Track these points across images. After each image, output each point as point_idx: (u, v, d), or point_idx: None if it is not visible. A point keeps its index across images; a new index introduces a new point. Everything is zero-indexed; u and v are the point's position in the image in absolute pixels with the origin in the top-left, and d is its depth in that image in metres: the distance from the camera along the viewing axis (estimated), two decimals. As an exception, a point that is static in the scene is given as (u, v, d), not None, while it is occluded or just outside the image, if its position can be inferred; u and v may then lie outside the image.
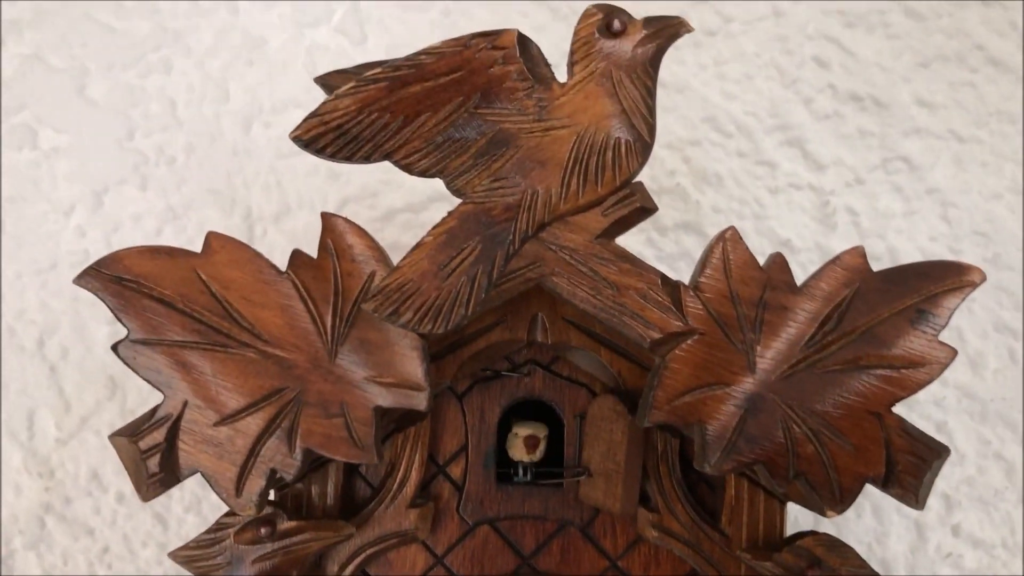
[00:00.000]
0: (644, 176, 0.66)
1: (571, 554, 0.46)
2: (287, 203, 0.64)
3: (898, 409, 0.63)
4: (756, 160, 0.65)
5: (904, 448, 0.39)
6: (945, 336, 0.65)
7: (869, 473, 0.38)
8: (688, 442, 0.46)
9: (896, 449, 0.39)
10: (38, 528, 0.61)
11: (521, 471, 0.46)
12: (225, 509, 0.40)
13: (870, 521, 0.62)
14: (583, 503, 0.46)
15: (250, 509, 0.38)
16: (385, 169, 0.64)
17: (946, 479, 0.62)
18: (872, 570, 0.42)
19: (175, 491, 0.61)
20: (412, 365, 0.39)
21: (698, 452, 0.39)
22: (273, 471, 0.38)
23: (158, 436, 0.38)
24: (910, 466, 0.38)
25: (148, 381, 0.38)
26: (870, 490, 0.62)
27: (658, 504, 0.44)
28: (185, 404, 0.38)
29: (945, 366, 0.39)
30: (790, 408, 0.39)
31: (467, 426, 0.46)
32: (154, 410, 0.39)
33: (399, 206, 0.64)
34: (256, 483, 0.38)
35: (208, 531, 0.41)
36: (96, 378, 0.63)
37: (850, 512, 0.63)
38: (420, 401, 0.38)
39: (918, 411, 0.63)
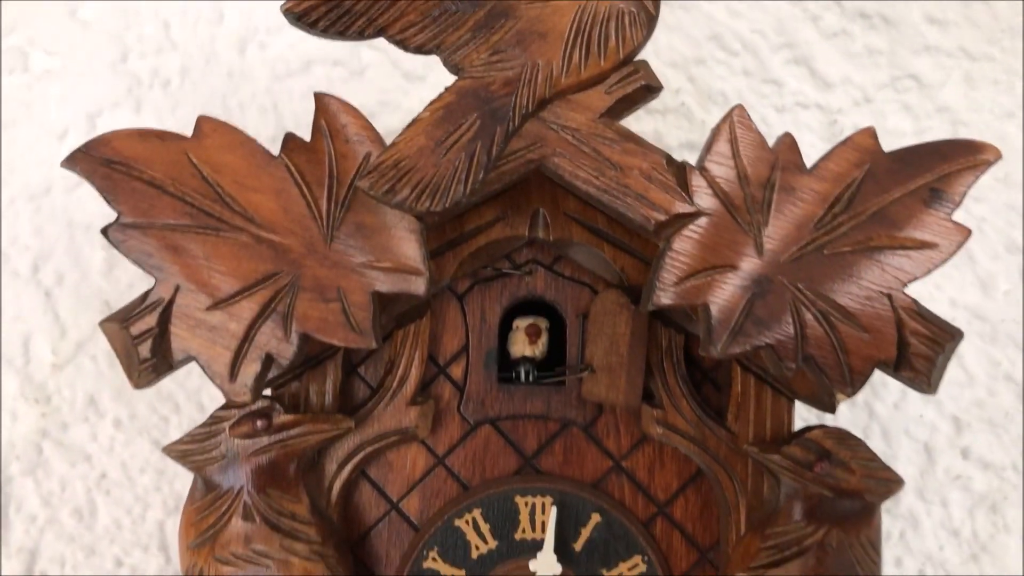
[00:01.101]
0: (648, 95, 0.65)
1: (574, 454, 0.45)
2: (283, 125, 0.63)
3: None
4: (762, 79, 0.64)
5: (916, 331, 0.38)
6: (954, 258, 0.64)
7: (880, 356, 0.37)
8: (693, 339, 0.45)
9: (908, 331, 0.37)
10: (35, 454, 0.61)
11: (523, 374, 0.45)
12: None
13: (879, 444, 0.61)
14: (586, 403, 0.45)
15: (245, 395, 0.37)
16: (382, 90, 0.63)
17: (955, 401, 0.61)
18: (882, 463, 0.41)
19: (172, 416, 0.61)
20: (410, 248, 0.38)
21: (704, 336, 0.38)
22: (268, 356, 0.37)
23: (150, 321, 0.37)
24: (922, 349, 0.37)
25: (138, 265, 0.37)
26: (879, 412, 0.62)
27: (663, 401, 0.43)
28: (177, 288, 0.37)
29: (960, 246, 0.38)
30: (799, 290, 0.38)
31: (468, 326, 0.45)
32: (145, 295, 0.38)
33: (396, 127, 0.63)
34: (251, 368, 0.37)
35: (203, 425, 0.41)
36: (91, 303, 0.62)
37: (858, 434, 0.62)
38: (418, 286, 0.37)
39: (927, 332, 0.62)
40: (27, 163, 0.63)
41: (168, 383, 0.60)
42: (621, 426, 0.45)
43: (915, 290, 0.62)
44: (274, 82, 0.63)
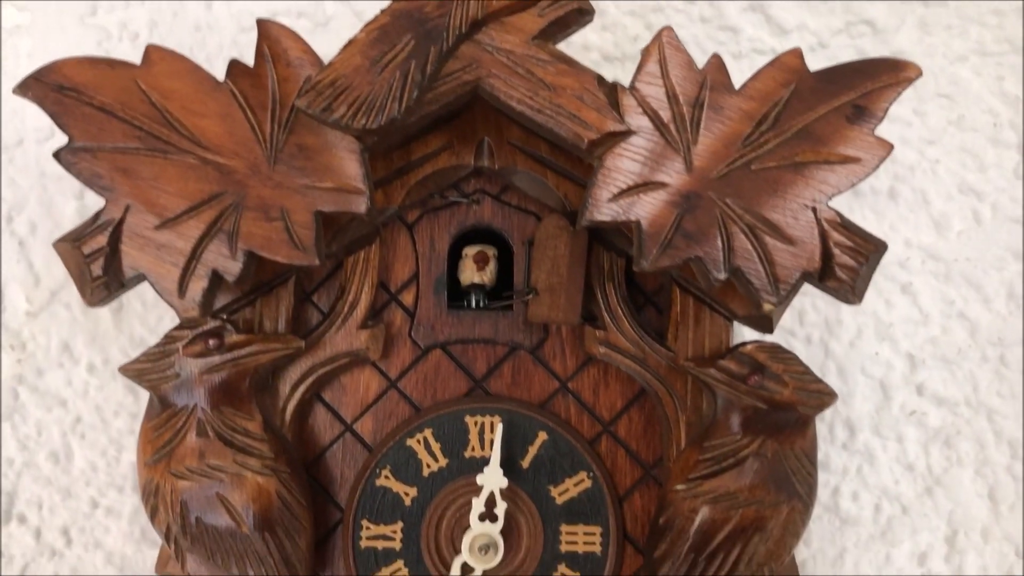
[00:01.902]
0: (606, 42, 0.66)
1: (522, 376, 0.46)
2: (250, 77, 0.64)
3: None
4: (719, 25, 0.65)
5: (840, 242, 0.39)
6: (907, 197, 0.66)
7: (805, 266, 0.39)
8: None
9: (832, 243, 0.39)
10: (12, 399, 0.62)
11: (473, 301, 0.46)
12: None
13: (835, 381, 0.62)
14: (533, 327, 0.46)
15: (194, 311, 0.38)
16: (345, 40, 0.65)
17: (910, 339, 0.62)
18: (815, 376, 0.43)
19: (146, 361, 0.62)
20: (351, 168, 0.39)
21: (636, 251, 0.39)
22: (215, 272, 0.38)
23: (101, 240, 0.39)
24: (846, 259, 0.39)
25: (89, 186, 0.39)
26: (835, 350, 0.63)
27: (605, 322, 0.45)
28: (127, 208, 0.39)
29: (882, 160, 0.39)
30: (726, 205, 0.39)
31: (417, 254, 0.46)
32: (96, 215, 0.39)
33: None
34: (198, 284, 0.38)
35: (158, 344, 0.42)
36: (64, 252, 0.63)
37: (816, 373, 0.63)
38: (359, 204, 0.39)
39: (882, 272, 0.63)
40: (-1, 116, 0.64)
41: (140, 328, 0.61)
42: (567, 349, 0.47)
43: (870, 228, 0.64)
44: (240, 34, 0.64)
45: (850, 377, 0.62)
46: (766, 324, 0.45)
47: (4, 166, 0.64)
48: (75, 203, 0.63)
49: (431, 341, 0.46)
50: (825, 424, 0.62)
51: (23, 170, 0.64)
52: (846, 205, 0.63)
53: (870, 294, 0.63)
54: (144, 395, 0.62)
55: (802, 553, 0.61)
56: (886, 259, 0.63)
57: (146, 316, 0.61)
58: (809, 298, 0.62)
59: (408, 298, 0.46)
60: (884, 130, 0.65)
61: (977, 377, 0.62)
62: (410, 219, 0.47)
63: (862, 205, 0.64)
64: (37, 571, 0.61)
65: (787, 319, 0.62)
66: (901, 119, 0.64)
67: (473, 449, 0.46)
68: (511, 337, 0.47)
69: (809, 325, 0.62)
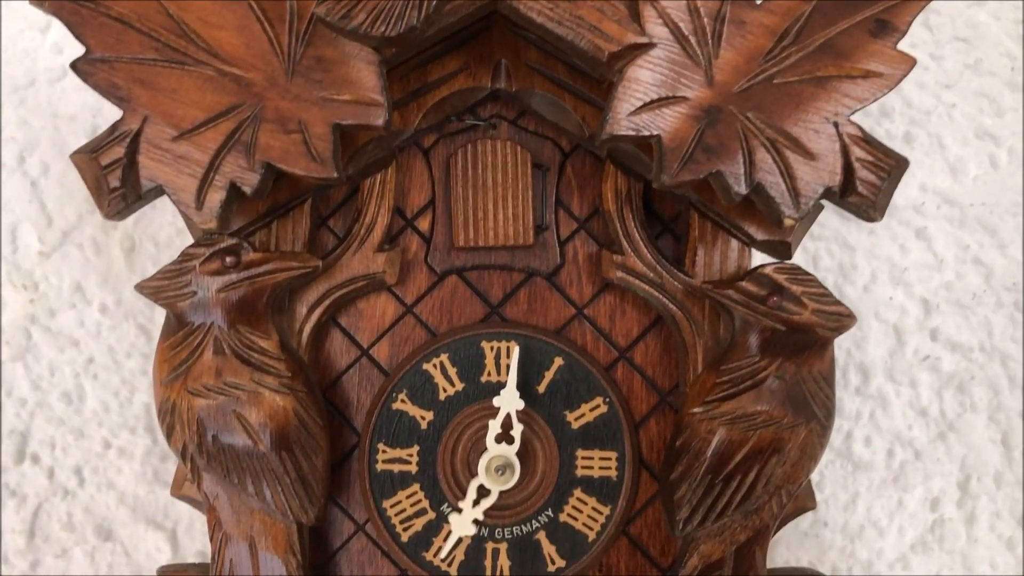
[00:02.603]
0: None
1: (538, 303, 0.46)
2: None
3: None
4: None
5: (861, 157, 0.39)
6: (923, 141, 0.65)
7: (826, 181, 0.38)
8: (653, 189, 0.46)
9: (854, 157, 0.39)
10: (24, 339, 0.62)
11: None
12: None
13: (848, 326, 0.62)
14: (549, 253, 0.46)
15: (211, 223, 0.38)
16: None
17: (925, 284, 0.62)
18: (834, 297, 0.42)
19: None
20: (369, 80, 0.39)
21: (656, 166, 0.39)
22: (233, 184, 0.38)
23: (119, 151, 0.38)
24: (867, 175, 0.38)
25: (106, 97, 0.39)
26: (849, 295, 0.63)
27: (622, 246, 0.45)
28: (145, 119, 0.38)
29: (904, 74, 0.39)
30: (748, 119, 0.39)
31: (433, 180, 0.46)
32: (114, 126, 0.39)
33: None
34: (216, 196, 0.38)
35: (174, 262, 0.42)
36: (76, 193, 0.63)
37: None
38: (377, 116, 0.39)
39: (897, 217, 0.63)
40: (11, 56, 0.64)
41: (152, 269, 0.61)
42: (583, 276, 0.47)
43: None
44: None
45: (864, 322, 0.62)
46: (784, 250, 0.44)
47: (16, 107, 0.63)
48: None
49: (447, 267, 0.46)
50: (839, 369, 0.62)
51: (35, 111, 0.64)
52: (861, 150, 0.63)
53: (884, 239, 0.63)
54: (156, 339, 0.62)
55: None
56: (901, 204, 0.63)
57: (159, 257, 0.61)
58: (824, 243, 0.62)
59: (424, 224, 0.46)
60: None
61: (992, 322, 0.62)
62: (426, 144, 0.46)
63: (878, 150, 0.64)
64: (50, 510, 0.61)
65: (800, 263, 0.62)
66: (918, 63, 0.63)
67: (489, 374, 0.46)
68: (527, 263, 0.46)
69: (823, 270, 0.62)
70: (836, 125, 0.38)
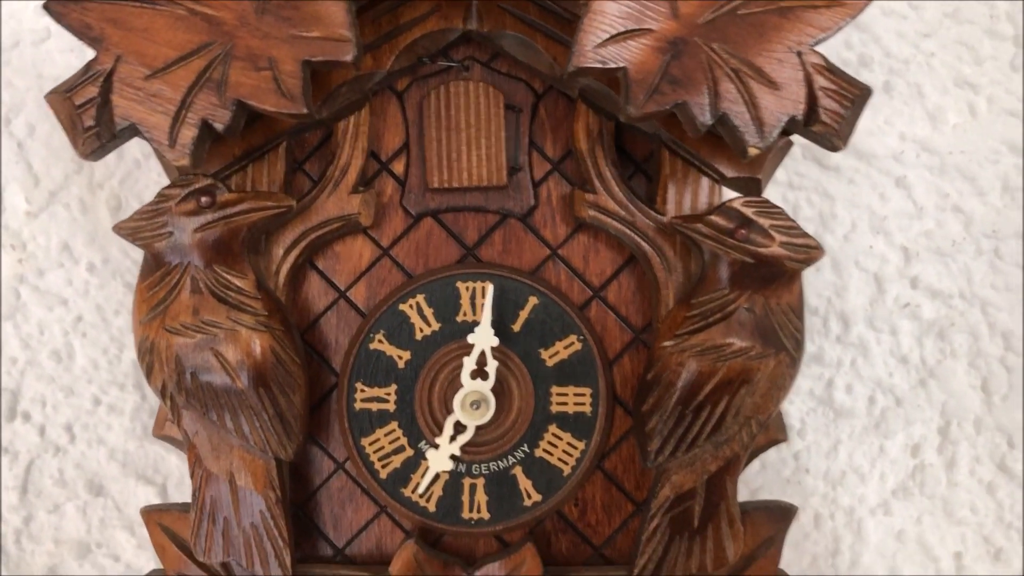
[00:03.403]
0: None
1: (512, 244, 0.47)
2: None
3: (854, 164, 0.63)
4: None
5: (825, 86, 0.39)
6: (902, 90, 0.65)
7: (790, 110, 0.39)
8: (624, 130, 0.47)
9: (817, 87, 0.39)
10: (14, 299, 0.63)
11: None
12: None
13: (829, 275, 0.63)
14: (523, 194, 0.47)
15: (184, 159, 0.39)
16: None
17: (905, 232, 0.63)
18: (802, 230, 0.43)
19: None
20: (337, 17, 0.39)
21: (623, 98, 0.40)
22: (205, 121, 0.39)
23: (92, 90, 0.39)
24: (831, 104, 0.39)
25: (78, 37, 0.39)
26: (830, 244, 0.63)
27: (594, 185, 0.45)
28: (117, 59, 0.39)
29: (867, 3, 0.39)
30: (712, 50, 0.39)
31: (408, 122, 0.47)
32: (87, 66, 0.39)
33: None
34: (188, 132, 0.39)
35: (151, 203, 0.43)
36: (63, 153, 0.63)
37: (809, 269, 0.63)
38: (346, 52, 0.39)
39: (876, 166, 0.63)
40: (-6, 19, 0.64)
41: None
42: (557, 217, 0.47)
43: (865, 123, 0.64)
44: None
45: (844, 270, 0.63)
46: (754, 187, 0.45)
47: (2, 68, 0.64)
48: (72, 104, 0.63)
49: (422, 209, 0.47)
50: (819, 317, 0.62)
51: (20, 72, 0.64)
52: (840, 100, 0.63)
53: (864, 188, 0.63)
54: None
55: (796, 444, 0.62)
56: (881, 153, 0.63)
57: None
58: (804, 193, 0.63)
59: (399, 167, 0.47)
60: (879, 23, 0.65)
61: (971, 270, 0.62)
62: (400, 88, 0.47)
63: (857, 100, 0.64)
64: (42, 467, 0.62)
65: (781, 213, 0.63)
66: (896, 12, 0.64)
67: (465, 314, 0.46)
68: (502, 205, 0.47)
69: (803, 219, 0.63)
70: (799, 55, 0.39)
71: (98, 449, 0.62)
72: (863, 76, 0.63)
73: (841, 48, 0.63)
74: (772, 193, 0.62)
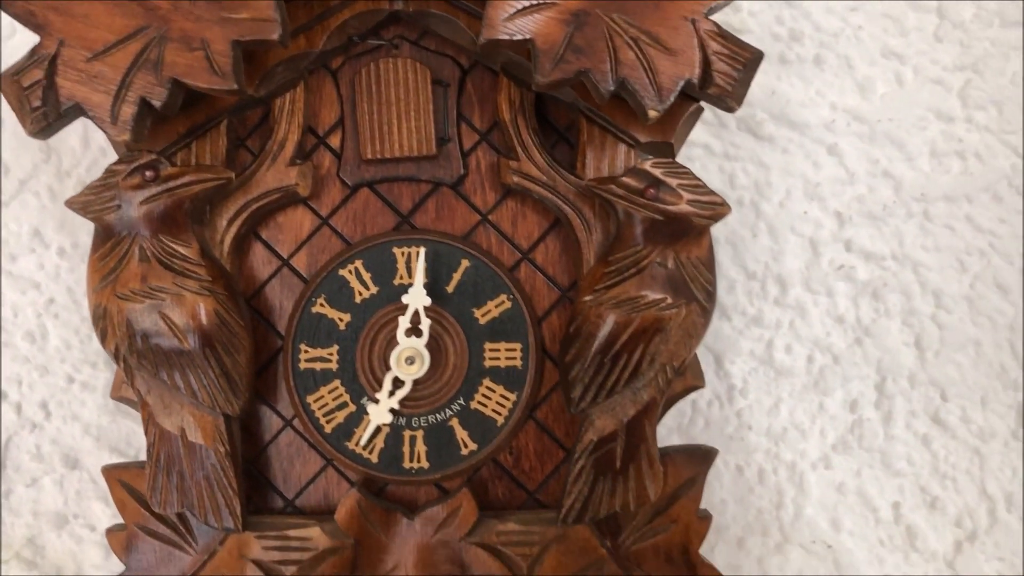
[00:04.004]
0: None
1: (445, 211, 0.50)
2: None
3: (787, 134, 0.66)
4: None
5: (718, 50, 0.42)
6: (832, 63, 0.68)
7: (685, 73, 0.42)
8: (545, 101, 0.49)
9: (711, 51, 0.42)
10: (-14, 284, 0.65)
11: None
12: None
13: (766, 241, 0.65)
14: (453, 164, 0.50)
15: (125, 135, 0.42)
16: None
17: (838, 197, 0.64)
18: (708, 188, 0.46)
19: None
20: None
21: (533, 68, 0.42)
22: (143, 99, 0.42)
23: (38, 73, 0.42)
24: (724, 67, 0.42)
25: (24, 24, 0.42)
26: (765, 211, 0.66)
27: (518, 153, 0.48)
28: (60, 43, 0.42)
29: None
30: (612, 20, 0.42)
31: (342, 98, 0.50)
32: (33, 51, 0.42)
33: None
34: (128, 110, 0.42)
35: (99, 179, 0.46)
36: (31, 143, 0.66)
37: (746, 233, 0.66)
38: (273, 31, 0.42)
39: (809, 135, 0.65)
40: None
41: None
42: (487, 184, 0.50)
43: (797, 94, 0.66)
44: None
45: (780, 236, 0.65)
46: (667, 150, 0.48)
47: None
48: (39, 97, 0.66)
49: (358, 180, 0.50)
50: (758, 281, 0.64)
51: (-11, 67, 0.67)
52: (774, 73, 0.66)
53: (798, 157, 0.65)
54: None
55: (739, 403, 0.64)
56: (813, 122, 0.66)
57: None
58: (740, 163, 0.65)
59: (335, 141, 0.50)
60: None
61: (902, 232, 0.64)
62: (334, 66, 0.50)
63: (789, 72, 0.66)
64: (20, 443, 0.64)
65: (717, 183, 0.65)
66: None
67: (401, 277, 0.49)
68: (433, 174, 0.50)
69: (740, 188, 0.65)
70: (693, 22, 0.42)
71: (73, 425, 0.64)
72: (795, 50, 0.66)
73: (772, 23, 0.66)
74: (708, 164, 0.65)
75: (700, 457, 0.49)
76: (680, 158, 0.63)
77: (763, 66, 0.64)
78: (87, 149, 0.65)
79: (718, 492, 0.63)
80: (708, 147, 0.64)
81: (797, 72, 0.66)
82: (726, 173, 0.65)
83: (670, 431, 0.62)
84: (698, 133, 0.64)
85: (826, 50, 0.66)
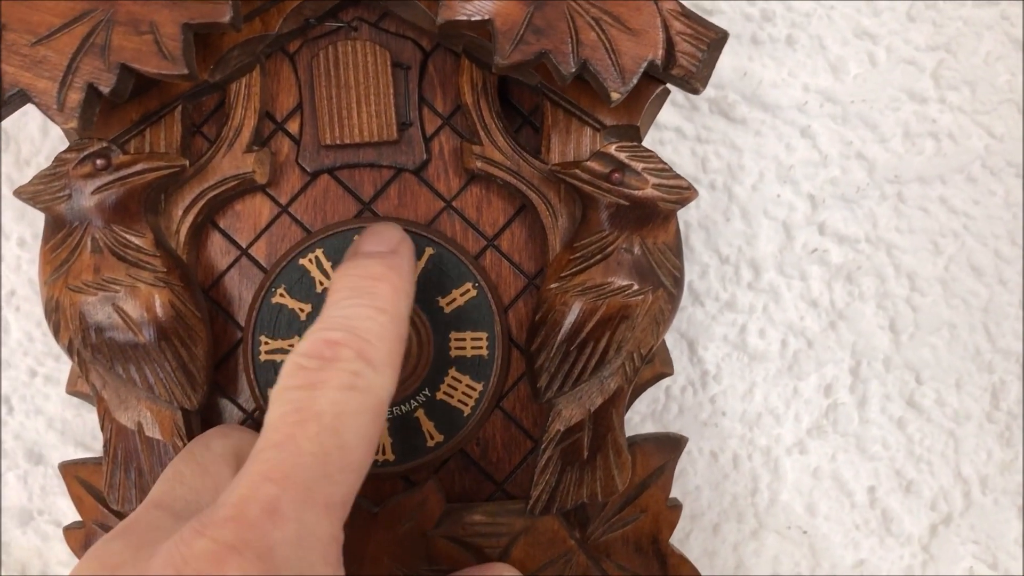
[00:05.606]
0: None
1: (408, 198, 0.49)
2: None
3: (760, 116, 0.65)
4: None
5: (681, 31, 0.41)
6: (804, 43, 0.67)
7: (648, 54, 0.41)
8: (509, 84, 0.48)
9: (674, 32, 0.41)
10: (-52, 277, 0.64)
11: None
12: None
13: (739, 224, 0.64)
14: (415, 149, 0.48)
15: (72, 123, 0.40)
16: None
17: (811, 180, 0.64)
18: (674, 172, 0.45)
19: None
20: (214, -20, 0.41)
21: (493, 50, 0.41)
22: (91, 85, 0.41)
23: (-20, 59, 0.41)
24: (687, 47, 0.41)
25: (-37, 9, 0.41)
26: (738, 195, 0.65)
27: (481, 137, 0.47)
28: (2, 26, 0.41)
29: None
30: (574, 0, 0.41)
31: (300, 82, 0.48)
32: (-26, 36, 0.41)
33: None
34: (75, 96, 0.41)
35: (49, 168, 0.44)
36: (-12, 138, 0.65)
37: (719, 217, 0.65)
38: (223, 13, 0.41)
39: (781, 117, 0.65)
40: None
41: (65, 202, 0.63)
42: (450, 170, 0.49)
43: (769, 75, 0.65)
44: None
45: (753, 220, 0.64)
46: (633, 134, 0.47)
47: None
48: None
49: (318, 166, 0.49)
50: (731, 265, 0.64)
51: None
52: (745, 54, 0.65)
53: (770, 139, 0.65)
54: (73, 265, 0.64)
55: (712, 389, 0.64)
56: (785, 104, 0.65)
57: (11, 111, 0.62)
58: (712, 146, 0.64)
59: (293, 126, 0.49)
60: (780, -22, 0.66)
61: (876, 214, 0.64)
62: (292, 50, 0.49)
63: (761, 53, 0.66)
64: (-18, 438, 0.63)
65: (689, 166, 0.65)
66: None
67: (363, 266, 0.48)
68: (395, 160, 0.49)
69: (712, 172, 0.64)
70: (656, 2, 0.41)
71: (36, 419, 0.63)
72: (767, 30, 0.65)
73: (744, 4, 0.65)
74: (680, 147, 0.64)
75: (669, 446, 0.49)
76: (651, 141, 0.63)
77: (735, 47, 0.64)
78: (47, 137, 0.64)
79: (692, 479, 0.62)
80: (680, 130, 0.64)
81: (769, 52, 0.66)
82: (698, 156, 0.65)
83: (643, 418, 0.62)
84: (670, 116, 0.63)
85: (798, 31, 0.65)
